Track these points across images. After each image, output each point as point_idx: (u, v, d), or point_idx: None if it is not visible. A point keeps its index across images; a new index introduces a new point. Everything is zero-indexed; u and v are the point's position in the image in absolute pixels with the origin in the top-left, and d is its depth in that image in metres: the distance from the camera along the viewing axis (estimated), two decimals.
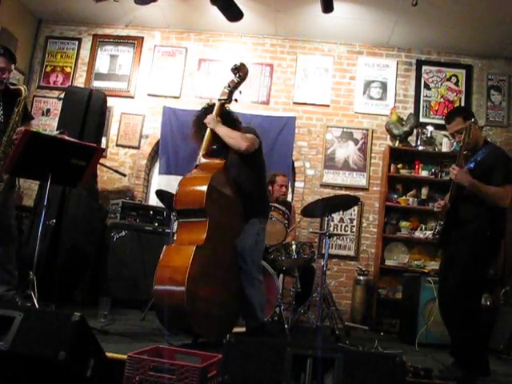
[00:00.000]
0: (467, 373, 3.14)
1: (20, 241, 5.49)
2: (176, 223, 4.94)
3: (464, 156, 3.44)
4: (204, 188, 3.41)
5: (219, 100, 3.86)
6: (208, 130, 3.78)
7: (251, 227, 3.74)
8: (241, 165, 3.79)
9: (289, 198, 6.23)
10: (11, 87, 3.98)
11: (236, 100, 3.93)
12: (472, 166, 3.39)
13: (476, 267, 3.27)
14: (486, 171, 3.31)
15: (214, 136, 3.76)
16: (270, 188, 5.23)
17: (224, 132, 3.73)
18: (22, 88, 3.97)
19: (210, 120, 3.77)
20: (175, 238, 3.53)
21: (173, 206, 3.65)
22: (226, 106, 3.91)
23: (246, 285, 3.59)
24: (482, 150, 3.44)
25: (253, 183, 3.83)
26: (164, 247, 3.47)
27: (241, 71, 3.93)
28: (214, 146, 3.84)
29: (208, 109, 3.93)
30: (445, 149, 6.23)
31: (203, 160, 3.74)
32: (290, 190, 6.27)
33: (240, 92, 3.94)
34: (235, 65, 3.96)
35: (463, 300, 3.23)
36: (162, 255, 3.39)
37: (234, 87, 3.90)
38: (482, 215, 3.29)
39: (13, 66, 4.05)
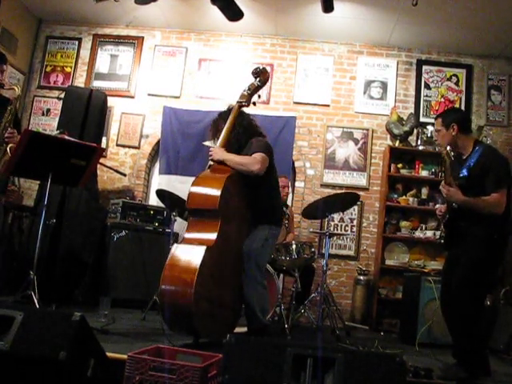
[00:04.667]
0: (469, 373, 3.13)
1: (20, 240, 5.53)
2: (176, 223, 4.99)
3: (452, 168, 3.41)
4: (219, 189, 3.40)
5: (238, 102, 3.84)
6: (223, 132, 3.73)
7: (260, 231, 3.68)
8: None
9: (289, 198, 6.24)
10: (5, 88, 3.95)
11: (254, 103, 3.91)
12: (466, 173, 3.36)
13: (478, 270, 3.24)
14: (480, 177, 3.28)
15: (229, 140, 3.74)
16: None
17: (233, 161, 3.64)
18: (15, 87, 3.94)
19: (216, 153, 3.69)
20: (184, 236, 3.49)
21: (185, 204, 3.59)
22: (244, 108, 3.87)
23: (248, 288, 3.53)
24: (473, 153, 3.39)
25: (266, 191, 3.79)
26: (174, 245, 3.45)
27: (262, 76, 3.93)
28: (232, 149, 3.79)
29: (225, 113, 3.88)
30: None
31: (216, 163, 3.70)
32: (290, 190, 6.27)
33: (259, 96, 3.94)
34: (257, 69, 3.97)
35: (465, 302, 3.21)
36: (171, 253, 3.35)
37: (253, 91, 3.90)
38: (484, 221, 3.26)
39: (5, 67, 4.01)
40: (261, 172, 3.62)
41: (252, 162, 3.61)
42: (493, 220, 3.25)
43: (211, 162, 3.72)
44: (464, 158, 3.46)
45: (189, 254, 3.29)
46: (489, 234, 3.26)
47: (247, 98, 3.85)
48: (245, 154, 3.69)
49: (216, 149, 3.71)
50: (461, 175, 3.37)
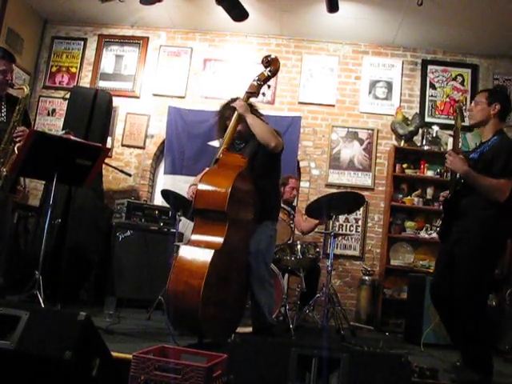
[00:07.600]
0: (482, 376, 3.05)
1: (26, 240, 5.55)
2: (181, 223, 4.99)
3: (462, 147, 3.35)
4: (227, 190, 3.25)
5: (247, 93, 3.70)
6: (232, 122, 3.60)
7: (265, 229, 3.63)
8: (264, 167, 3.62)
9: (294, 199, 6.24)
10: (14, 88, 3.96)
11: (264, 94, 3.76)
12: (476, 156, 3.27)
13: (480, 269, 3.13)
14: (489, 162, 3.17)
15: (240, 130, 3.62)
16: (281, 189, 5.18)
17: (255, 121, 3.52)
18: (24, 87, 3.95)
19: (241, 104, 3.56)
20: (191, 237, 3.38)
21: (192, 203, 3.43)
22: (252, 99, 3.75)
23: (256, 286, 3.49)
24: (490, 141, 3.27)
25: (272, 188, 3.74)
26: (181, 246, 3.37)
27: (272, 65, 3.73)
28: (238, 142, 3.73)
29: (233, 101, 3.75)
30: (450, 148, 6.19)
31: (224, 155, 3.55)
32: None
33: (269, 86, 3.75)
34: (267, 57, 3.77)
35: (471, 302, 3.12)
36: (178, 255, 3.27)
37: (263, 81, 3.71)
38: (485, 209, 3.14)
39: (13, 66, 4.03)
40: (276, 150, 3.55)
41: (273, 133, 3.53)
42: (492, 211, 3.12)
43: (218, 156, 3.56)
44: (482, 141, 3.38)
45: (196, 257, 3.20)
46: (486, 229, 3.13)
47: (256, 88, 3.71)
48: (252, 144, 3.62)
49: (241, 102, 3.58)
50: (470, 156, 3.30)
